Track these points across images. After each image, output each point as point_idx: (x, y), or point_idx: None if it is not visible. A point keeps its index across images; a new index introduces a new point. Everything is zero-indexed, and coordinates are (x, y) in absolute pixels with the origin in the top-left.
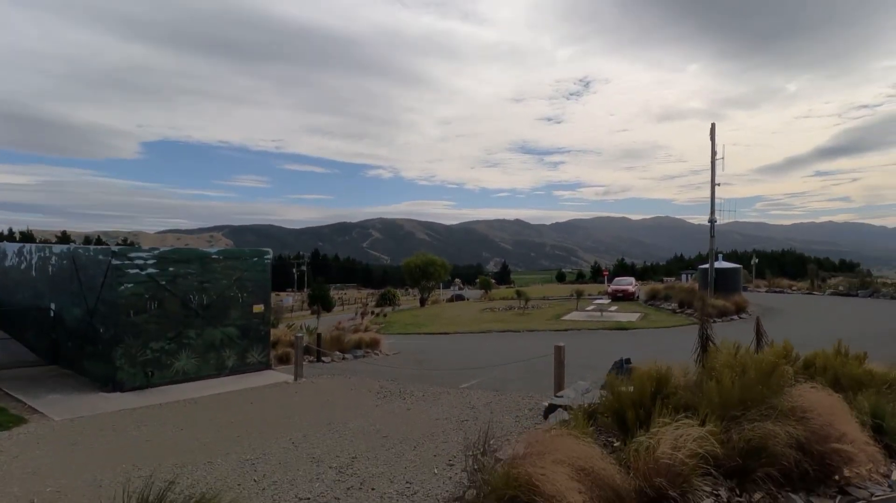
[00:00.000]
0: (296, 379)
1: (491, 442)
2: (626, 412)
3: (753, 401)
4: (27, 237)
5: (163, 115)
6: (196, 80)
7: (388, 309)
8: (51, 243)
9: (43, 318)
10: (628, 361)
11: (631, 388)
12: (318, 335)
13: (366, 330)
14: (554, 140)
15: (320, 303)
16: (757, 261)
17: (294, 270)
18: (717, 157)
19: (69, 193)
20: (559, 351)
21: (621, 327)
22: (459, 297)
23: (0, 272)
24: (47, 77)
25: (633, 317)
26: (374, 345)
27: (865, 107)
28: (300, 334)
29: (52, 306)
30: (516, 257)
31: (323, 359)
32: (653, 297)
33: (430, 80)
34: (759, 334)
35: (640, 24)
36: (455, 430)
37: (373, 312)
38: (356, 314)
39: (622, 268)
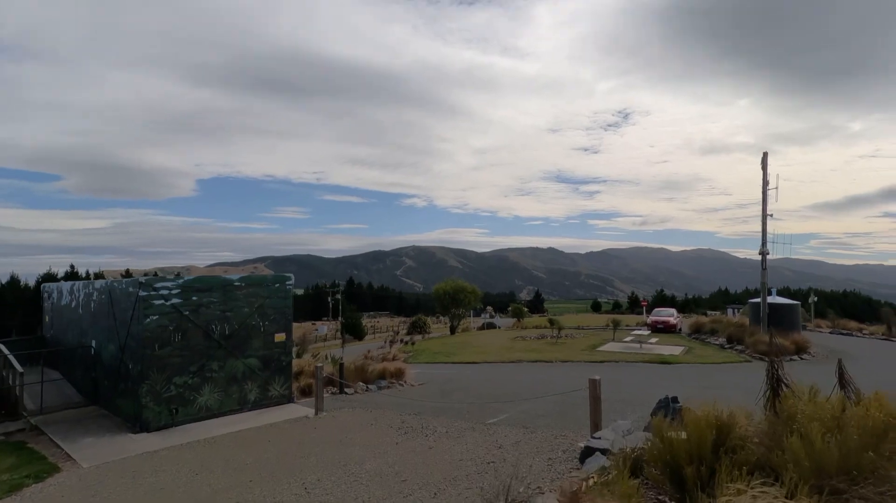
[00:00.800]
0: (316, 413)
1: (520, 489)
2: (682, 467)
3: (861, 470)
4: (99, 277)
5: (217, 152)
6: (249, 117)
7: (417, 337)
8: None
9: (86, 356)
10: (675, 400)
11: (683, 434)
12: (341, 365)
13: (393, 359)
14: (590, 170)
15: (349, 331)
16: (816, 299)
17: (329, 299)
18: (770, 187)
19: (135, 233)
20: (595, 385)
21: (663, 361)
22: (491, 325)
23: (56, 312)
24: (128, 125)
25: (675, 350)
26: (399, 375)
27: None
28: (320, 365)
29: (93, 343)
30: (550, 286)
31: (346, 390)
32: (697, 331)
33: (467, 111)
34: (844, 380)
35: (687, 58)
36: (480, 474)
37: (402, 340)
38: (385, 342)
39: (662, 300)
